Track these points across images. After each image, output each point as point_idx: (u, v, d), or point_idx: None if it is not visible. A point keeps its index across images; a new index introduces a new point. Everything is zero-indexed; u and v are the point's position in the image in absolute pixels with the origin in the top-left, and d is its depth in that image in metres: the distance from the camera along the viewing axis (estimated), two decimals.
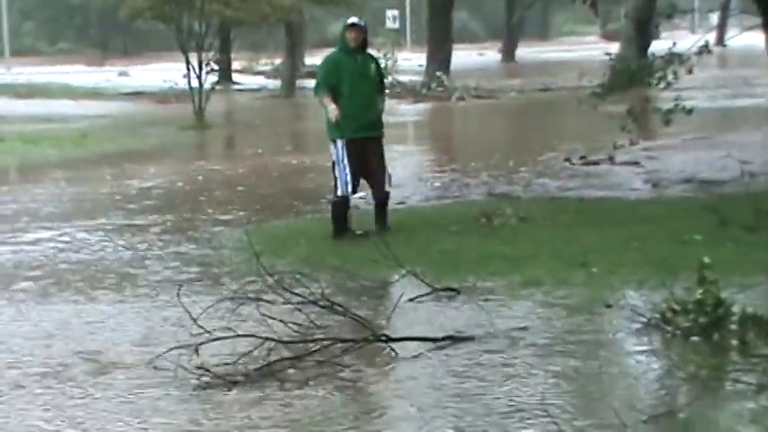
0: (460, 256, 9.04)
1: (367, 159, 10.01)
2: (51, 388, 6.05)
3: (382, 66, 10.77)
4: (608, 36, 61.38)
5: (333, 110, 9.79)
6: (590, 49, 47.79)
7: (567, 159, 15.43)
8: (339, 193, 10.02)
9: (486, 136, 22.16)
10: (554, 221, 10.42)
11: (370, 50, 10.40)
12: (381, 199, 10.21)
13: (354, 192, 10.11)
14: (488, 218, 10.49)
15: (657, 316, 6.86)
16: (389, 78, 33.73)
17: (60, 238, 10.64)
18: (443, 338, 6.71)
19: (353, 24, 10.00)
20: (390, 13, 53.15)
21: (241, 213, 11.98)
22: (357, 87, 9.92)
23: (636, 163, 14.99)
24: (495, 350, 6.51)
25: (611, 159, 15.15)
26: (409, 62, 40.50)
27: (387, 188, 10.17)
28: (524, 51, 54.83)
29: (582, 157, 15.47)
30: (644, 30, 29.45)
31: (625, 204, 11.74)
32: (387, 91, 10.48)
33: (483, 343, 6.65)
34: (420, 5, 47.89)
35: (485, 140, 20.79)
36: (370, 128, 10.03)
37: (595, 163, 15.10)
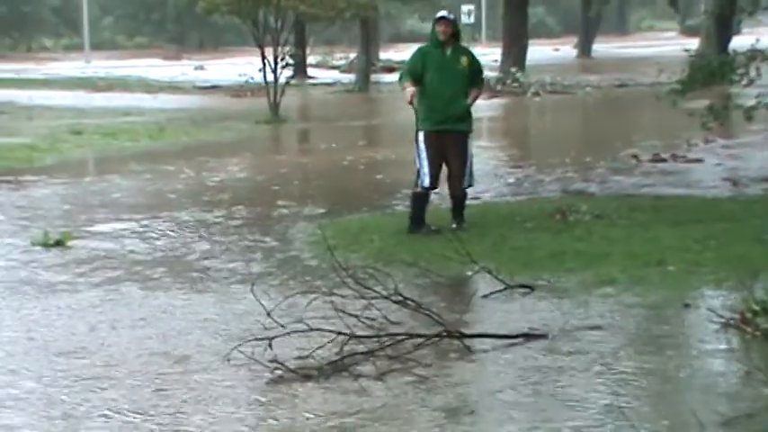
0: (534, 252, 8.96)
1: (447, 153, 9.97)
2: (123, 379, 6.09)
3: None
4: (687, 32, 60.67)
5: (409, 92, 9.75)
6: (669, 45, 47.29)
7: (635, 156, 15.30)
8: (419, 184, 9.98)
9: (562, 132, 22.01)
10: (630, 219, 10.30)
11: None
12: (456, 195, 10.15)
13: (433, 185, 10.04)
14: (563, 215, 10.41)
15: (736, 316, 6.74)
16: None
17: (137, 230, 10.74)
18: (517, 336, 6.65)
19: (442, 17, 10.00)
20: (466, 8, 53.00)
21: (315, 207, 12.00)
22: (441, 80, 9.88)
23: (700, 160, 14.81)
24: (570, 348, 6.43)
25: (675, 157, 15.00)
26: (484, 57, 40.31)
27: (464, 184, 10.08)
28: (601, 47, 54.37)
29: (656, 155, 15.32)
30: (725, 25, 29.06)
31: (703, 202, 11.56)
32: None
33: (557, 341, 6.59)
34: (496, 0, 47.72)
35: (560, 136, 20.66)
36: (453, 121, 9.95)
37: (663, 160, 14.95)
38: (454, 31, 10.01)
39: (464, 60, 10.00)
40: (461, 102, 9.97)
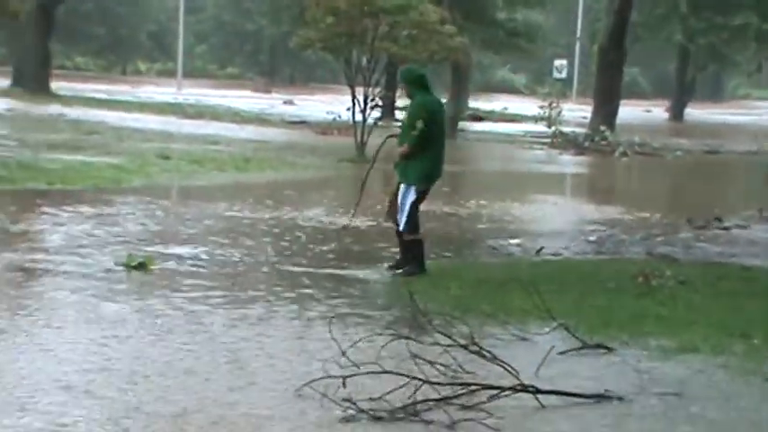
0: (615, 313, 8.84)
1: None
2: (191, 406, 6.09)
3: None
4: None
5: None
6: (764, 115, 46.73)
7: (689, 220, 15.22)
8: None
9: (647, 194, 21.78)
10: (714, 288, 10.13)
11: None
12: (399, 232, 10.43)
13: (396, 224, 10.32)
14: (646, 278, 10.27)
15: None
16: (552, 128, 33.66)
17: (220, 258, 10.80)
18: (592, 396, 6.54)
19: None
20: (559, 62, 52.95)
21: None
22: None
23: (745, 227, 14.97)
24: (645, 414, 6.32)
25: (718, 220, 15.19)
26: (573, 113, 40.22)
27: (400, 227, 10.31)
28: (694, 111, 53.91)
29: (717, 219, 15.25)
30: None
31: None
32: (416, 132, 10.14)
33: (633, 405, 6.47)
34: (591, 57, 47.64)
35: (645, 198, 20.43)
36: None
37: (704, 227, 14.93)
38: (405, 83, 10.37)
39: (407, 113, 10.36)
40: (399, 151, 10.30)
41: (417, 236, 10.29)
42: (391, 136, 10.83)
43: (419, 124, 10.07)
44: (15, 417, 5.72)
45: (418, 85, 10.28)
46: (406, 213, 10.22)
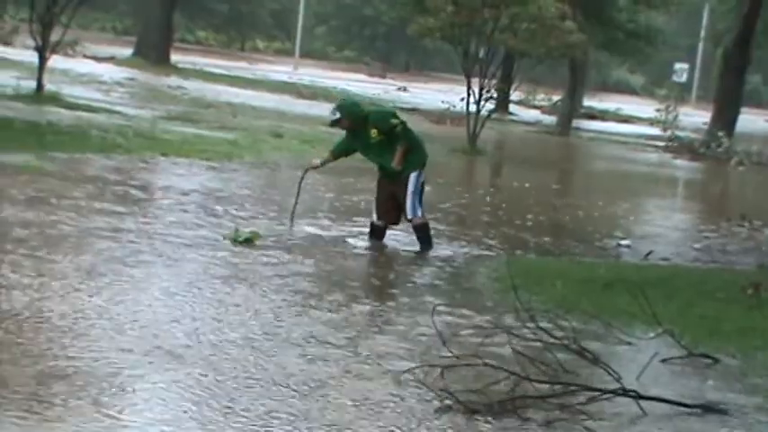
0: (722, 324, 8.64)
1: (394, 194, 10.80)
2: (290, 384, 6.12)
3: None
4: None
5: (315, 162, 11.57)
6: None
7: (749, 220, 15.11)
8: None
9: (762, 205, 21.29)
10: None
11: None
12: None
13: (379, 219, 10.89)
14: (757, 289, 10.01)
15: None
16: (668, 132, 33.13)
17: (330, 237, 10.84)
18: (696, 406, 6.40)
19: (331, 123, 11.01)
20: (679, 66, 52.13)
21: (502, 243, 11.90)
22: (368, 155, 10.91)
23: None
24: (750, 429, 6.16)
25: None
26: (691, 118, 39.55)
27: (409, 214, 10.70)
28: None
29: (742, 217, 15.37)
30: None
31: None
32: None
33: (736, 418, 6.31)
34: (712, 61, 46.73)
35: (760, 209, 19.98)
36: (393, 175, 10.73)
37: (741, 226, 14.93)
38: (351, 119, 10.69)
39: (374, 132, 10.62)
40: (390, 164, 10.61)
41: (425, 218, 10.77)
42: (311, 168, 11.55)
43: (394, 120, 10.69)
44: None
45: (362, 122, 10.68)
46: (418, 198, 10.65)
